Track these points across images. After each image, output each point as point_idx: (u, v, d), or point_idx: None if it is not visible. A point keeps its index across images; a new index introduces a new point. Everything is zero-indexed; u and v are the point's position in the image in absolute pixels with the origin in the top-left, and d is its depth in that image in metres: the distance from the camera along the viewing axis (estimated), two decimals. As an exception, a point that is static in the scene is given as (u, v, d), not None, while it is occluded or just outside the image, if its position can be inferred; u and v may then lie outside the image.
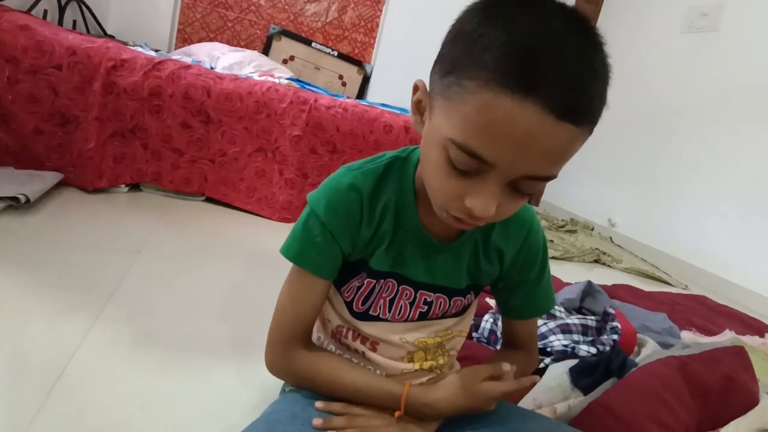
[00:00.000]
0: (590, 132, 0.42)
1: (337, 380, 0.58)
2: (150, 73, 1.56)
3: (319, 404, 0.57)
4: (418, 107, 0.49)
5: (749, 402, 0.84)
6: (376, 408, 0.58)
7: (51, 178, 1.46)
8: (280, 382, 0.68)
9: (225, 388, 0.80)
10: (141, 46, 2.09)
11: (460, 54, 0.41)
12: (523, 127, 0.38)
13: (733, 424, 0.80)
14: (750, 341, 1.53)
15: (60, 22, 2.19)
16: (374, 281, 0.59)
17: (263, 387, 0.80)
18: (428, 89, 0.47)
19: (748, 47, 2.34)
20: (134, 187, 1.69)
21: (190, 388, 0.78)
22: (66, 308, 0.91)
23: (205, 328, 0.97)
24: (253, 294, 1.16)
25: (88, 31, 2.40)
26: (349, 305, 0.60)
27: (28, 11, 1.84)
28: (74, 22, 2.36)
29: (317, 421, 0.55)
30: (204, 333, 0.95)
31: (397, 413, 0.57)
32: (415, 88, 0.49)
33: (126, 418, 0.69)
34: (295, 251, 0.56)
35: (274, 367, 0.60)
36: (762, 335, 1.63)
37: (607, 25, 3.32)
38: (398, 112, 2.01)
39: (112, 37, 2.37)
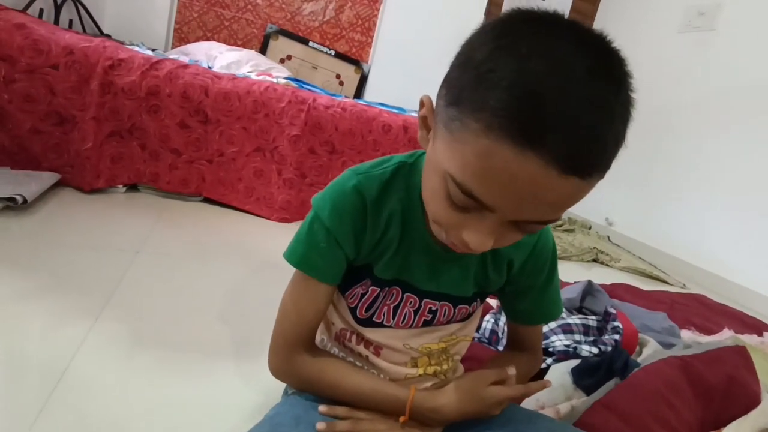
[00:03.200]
0: (601, 177, 0.38)
1: (341, 384, 0.57)
2: (147, 72, 1.55)
3: (322, 408, 0.57)
4: (425, 123, 0.46)
5: (751, 401, 0.84)
6: (380, 412, 0.57)
7: (48, 178, 1.45)
8: (282, 384, 0.67)
9: (226, 389, 0.80)
10: (137, 46, 2.07)
11: (466, 87, 0.37)
12: (524, 180, 0.35)
13: (734, 423, 0.80)
14: (749, 340, 1.54)
15: (56, 21, 2.18)
16: (378, 289, 0.58)
17: (265, 389, 0.80)
18: (434, 108, 0.44)
19: (745, 46, 2.35)
20: (132, 187, 1.68)
21: (191, 390, 0.78)
22: (65, 310, 0.90)
23: (205, 329, 0.96)
24: (252, 294, 1.16)
25: (84, 30, 2.38)
26: (352, 311, 0.60)
27: (24, 10, 1.82)
28: (70, 21, 2.34)
29: (321, 425, 0.54)
30: (204, 334, 0.94)
31: (401, 418, 0.56)
32: (421, 104, 0.46)
33: (127, 421, 0.68)
34: (299, 256, 0.55)
35: (278, 371, 0.60)
36: (761, 334, 1.64)
37: (604, 23, 3.32)
38: (396, 111, 2.00)
39: (108, 36, 2.36)
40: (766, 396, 0.88)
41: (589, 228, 2.92)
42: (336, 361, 0.60)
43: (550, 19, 0.37)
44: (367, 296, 0.58)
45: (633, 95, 0.38)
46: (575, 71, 0.34)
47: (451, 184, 0.40)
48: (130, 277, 1.08)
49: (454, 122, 0.38)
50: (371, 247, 0.55)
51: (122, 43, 2.02)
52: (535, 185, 0.35)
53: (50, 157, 1.51)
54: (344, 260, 0.56)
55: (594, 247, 2.35)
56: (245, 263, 1.33)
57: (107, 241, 1.25)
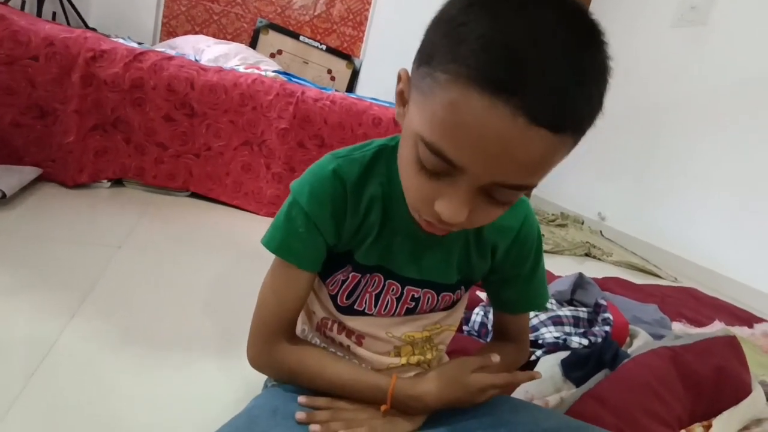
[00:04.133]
0: (575, 141, 0.38)
1: (322, 374, 0.56)
2: (131, 64, 1.52)
3: (302, 399, 0.55)
4: (401, 98, 0.45)
5: (741, 392, 0.83)
6: (361, 402, 0.56)
7: (29, 172, 1.41)
8: (263, 377, 0.66)
9: (208, 383, 0.78)
10: (123, 39, 2.03)
11: (438, 43, 0.37)
12: (493, 131, 0.34)
13: (725, 414, 0.79)
14: (739, 332, 1.54)
15: (39, 14, 2.14)
16: (360, 275, 0.56)
17: (247, 382, 0.78)
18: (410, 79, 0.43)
19: (736, 41, 2.35)
20: (117, 182, 1.65)
21: (172, 384, 0.76)
22: (42, 305, 0.87)
23: (187, 324, 0.94)
24: (239, 289, 1.13)
25: (69, 24, 2.34)
26: (333, 299, 0.58)
27: (5, 2, 1.78)
28: (54, 14, 2.30)
29: (300, 415, 0.53)
30: (186, 328, 0.92)
31: (383, 407, 0.55)
32: (399, 78, 0.45)
33: (106, 415, 0.66)
34: (278, 242, 0.53)
35: (257, 362, 0.58)
36: (751, 326, 1.64)
37: (598, 17, 3.31)
38: (387, 105, 1.99)
39: (93, 29, 2.32)
40: (756, 386, 0.87)
41: (582, 223, 2.92)
42: (316, 351, 0.58)
43: None
44: (348, 283, 0.57)
45: (609, 62, 0.37)
46: (546, 27, 0.34)
47: (421, 147, 0.39)
48: (112, 272, 1.06)
49: (425, 80, 0.38)
50: (352, 233, 0.54)
51: (107, 36, 1.99)
52: (504, 137, 0.34)
53: (31, 151, 1.48)
54: (324, 246, 0.54)
55: (586, 242, 2.35)
56: (233, 258, 1.31)
57: (89, 236, 1.22)
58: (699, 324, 1.50)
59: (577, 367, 0.86)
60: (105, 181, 1.60)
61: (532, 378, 0.59)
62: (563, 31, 0.34)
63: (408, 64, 0.44)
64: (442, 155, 0.37)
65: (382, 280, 0.56)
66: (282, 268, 0.55)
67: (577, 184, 3.09)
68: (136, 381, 0.75)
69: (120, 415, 0.67)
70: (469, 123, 0.35)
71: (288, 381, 0.58)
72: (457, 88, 0.34)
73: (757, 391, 0.85)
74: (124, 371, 0.76)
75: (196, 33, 2.79)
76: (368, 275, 0.56)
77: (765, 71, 2.19)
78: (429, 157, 0.38)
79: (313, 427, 0.52)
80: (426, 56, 0.38)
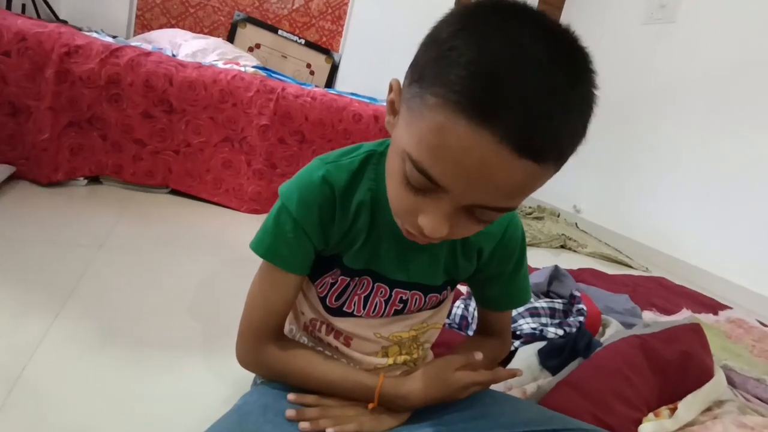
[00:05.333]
0: (556, 169, 0.39)
1: (310, 373, 0.57)
2: (107, 60, 1.49)
3: (291, 396, 0.57)
4: (392, 107, 0.46)
5: (705, 375, 0.89)
6: (350, 400, 0.58)
7: (1, 171, 1.38)
8: (252, 375, 0.67)
9: (195, 382, 0.79)
10: (97, 32, 1.99)
11: (429, 64, 0.38)
12: (477, 158, 0.35)
13: (689, 397, 0.84)
14: (705, 319, 1.62)
15: (8, 6, 2.06)
16: (348, 279, 0.58)
17: (235, 380, 0.79)
18: (401, 91, 0.44)
19: (702, 38, 2.43)
20: (94, 180, 1.62)
21: (159, 384, 0.76)
22: (22, 307, 0.87)
23: (172, 323, 0.94)
24: (221, 287, 1.14)
25: (39, 16, 2.27)
26: (322, 300, 0.59)
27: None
28: (23, 6, 2.22)
29: (290, 413, 0.54)
30: (172, 327, 0.93)
31: (370, 405, 0.57)
32: (390, 88, 0.46)
33: (90, 418, 0.66)
34: (266, 247, 0.54)
35: (246, 362, 0.59)
36: (716, 313, 1.72)
37: (570, 15, 3.38)
38: (367, 101, 2.00)
39: (64, 22, 2.25)
40: (718, 370, 0.93)
41: (558, 215, 3.00)
42: (304, 351, 0.59)
43: (519, 8, 0.37)
44: (337, 286, 0.58)
45: (595, 91, 0.38)
46: (535, 57, 0.34)
47: (407, 163, 0.39)
48: (93, 273, 1.05)
49: (414, 99, 0.38)
50: (340, 238, 0.55)
51: (80, 29, 1.94)
52: (488, 164, 0.35)
53: (3, 149, 1.44)
54: (312, 251, 0.55)
55: (562, 234, 2.41)
56: (215, 256, 1.31)
57: (67, 236, 1.20)
58: (668, 312, 1.57)
59: (553, 356, 0.90)
60: (81, 178, 1.57)
61: (513, 375, 0.62)
62: (553, 63, 0.35)
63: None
64: (426, 174, 0.38)
65: (371, 282, 0.58)
66: (270, 271, 0.56)
67: (554, 177, 3.15)
68: (121, 383, 0.75)
69: (103, 417, 0.67)
70: (454, 147, 0.35)
71: (277, 380, 0.59)
72: (444, 112, 0.35)
73: (719, 375, 0.91)
74: (109, 373, 0.76)
75: (172, 26, 2.73)
76: (357, 278, 0.58)
77: (729, 66, 2.28)
78: (414, 174, 0.39)
79: (302, 425, 0.53)
80: (416, 75, 0.39)
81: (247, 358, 0.59)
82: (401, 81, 0.45)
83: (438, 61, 0.36)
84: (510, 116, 0.34)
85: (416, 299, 0.60)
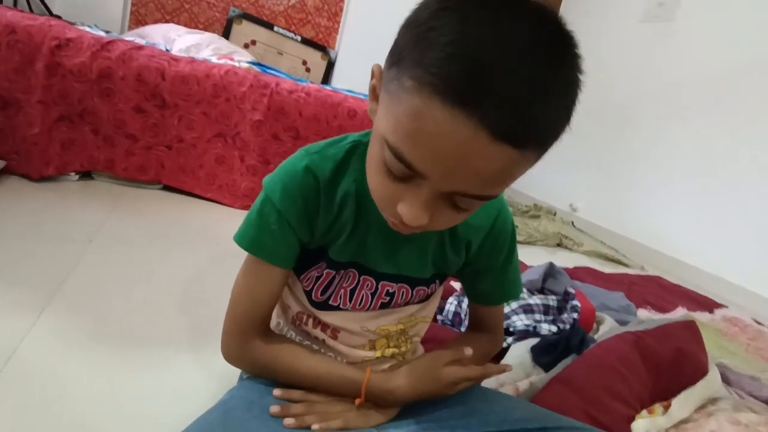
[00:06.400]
0: (538, 156, 0.37)
1: (297, 368, 0.56)
2: (98, 53, 1.47)
3: (277, 392, 0.56)
4: (374, 94, 0.45)
5: (699, 372, 0.88)
6: (336, 395, 0.57)
7: (-9, 165, 1.37)
8: (238, 370, 0.66)
9: (182, 378, 0.78)
10: (90, 27, 1.97)
11: (408, 46, 0.36)
12: (454, 143, 0.34)
13: (683, 394, 0.84)
14: (700, 317, 1.61)
15: (-1, 0, 2.04)
16: (334, 272, 0.57)
17: (221, 376, 0.78)
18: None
19: (701, 37, 2.43)
20: (86, 175, 1.60)
21: (145, 380, 0.75)
22: (6, 303, 0.85)
23: (161, 319, 0.93)
24: (213, 284, 1.13)
25: (31, 11, 2.24)
26: (308, 294, 0.58)
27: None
28: (14, 0, 2.20)
29: (275, 409, 0.53)
30: (160, 324, 0.91)
31: (357, 400, 0.56)
32: (372, 73, 0.45)
33: (75, 414, 0.65)
34: (250, 239, 0.53)
35: (232, 357, 0.58)
36: (711, 311, 1.72)
37: (568, 13, 3.37)
38: (363, 98, 1.98)
39: (58, 17, 2.23)
40: (713, 367, 0.92)
41: (554, 214, 2.99)
42: (291, 345, 0.58)
43: None
44: (322, 279, 0.57)
45: (580, 76, 0.36)
46: (516, 41, 0.33)
47: (386, 150, 0.39)
48: (82, 268, 1.03)
49: (392, 83, 0.37)
50: (325, 230, 0.54)
51: (73, 24, 1.92)
52: (465, 149, 0.34)
53: (-7, 143, 1.42)
54: (297, 243, 0.54)
55: (558, 233, 2.40)
56: (206, 252, 1.29)
57: (57, 231, 1.19)
58: (663, 310, 1.57)
59: (546, 353, 0.90)
60: (73, 174, 1.56)
61: (503, 371, 0.61)
62: (534, 46, 0.33)
63: (383, 56, 0.43)
64: (403, 160, 0.37)
65: (357, 275, 0.57)
66: (254, 265, 0.55)
67: (550, 177, 3.15)
68: (107, 379, 0.73)
69: (88, 413, 0.66)
70: (430, 132, 0.34)
71: (263, 375, 0.58)
72: (421, 95, 0.34)
73: (714, 372, 0.90)
74: (95, 368, 0.75)
75: (167, 22, 2.71)
76: (342, 271, 0.57)
77: (729, 65, 2.27)
78: (392, 160, 0.38)
79: (287, 421, 0.52)
80: (395, 58, 0.38)
81: (232, 354, 0.58)
82: (383, 66, 0.44)
83: (417, 43, 0.35)
84: (487, 101, 0.32)
85: (403, 292, 0.59)
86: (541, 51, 0.34)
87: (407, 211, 0.40)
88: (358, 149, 0.54)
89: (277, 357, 0.57)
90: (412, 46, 0.36)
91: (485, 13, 0.34)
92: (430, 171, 0.37)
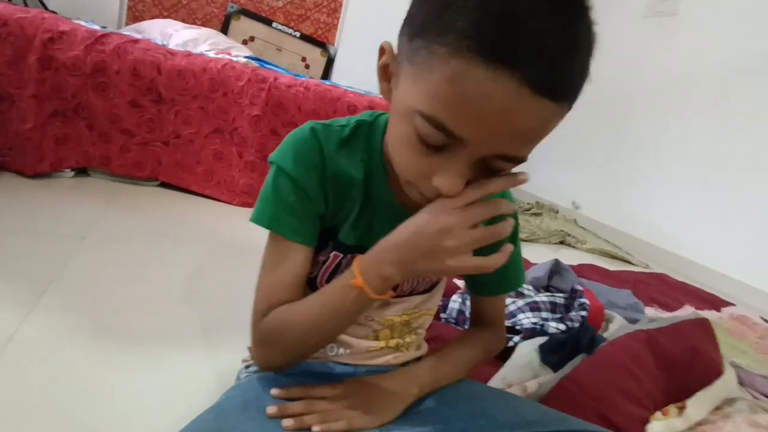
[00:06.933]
0: (569, 108, 0.38)
1: (301, 318, 0.51)
2: (92, 47, 1.44)
3: (274, 391, 0.52)
4: (385, 73, 0.44)
5: (713, 372, 0.85)
6: (348, 314, 0.50)
7: (-17, 161, 1.34)
8: (238, 367, 0.63)
9: (178, 377, 0.75)
10: (85, 22, 1.93)
11: (431, 14, 0.36)
12: (498, 102, 0.34)
13: (698, 395, 0.80)
14: (708, 315, 1.58)
15: (-8, -6, 2.01)
16: (341, 255, 0.55)
17: (219, 376, 0.75)
18: (396, 52, 0.43)
19: (704, 32, 2.40)
20: (81, 171, 1.57)
21: (139, 379, 0.72)
22: (-5, 299, 0.82)
23: (155, 316, 0.90)
24: (210, 281, 1.09)
25: (26, 5, 2.21)
26: (311, 282, 0.56)
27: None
28: (10, -6, 2.17)
29: (272, 409, 0.50)
30: (155, 321, 0.88)
31: (353, 281, 0.47)
32: (382, 51, 0.44)
33: (66, 412, 0.62)
34: (269, 216, 0.51)
35: (261, 355, 0.54)
36: (718, 309, 1.69)
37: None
38: (363, 93, 1.95)
39: (53, 12, 2.19)
40: (728, 367, 0.89)
41: (557, 212, 2.96)
42: (285, 306, 0.52)
43: None
44: (329, 263, 0.55)
45: (594, 28, 0.38)
46: None
47: (420, 122, 0.38)
48: (75, 264, 1.00)
49: (419, 53, 0.37)
50: (336, 205, 0.52)
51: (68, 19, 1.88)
52: (509, 108, 0.34)
53: (-15, 138, 1.39)
54: (316, 215, 0.52)
55: (561, 230, 2.37)
56: (204, 249, 1.26)
57: (50, 227, 1.16)
58: (669, 308, 1.54)
59: (554, 352, 0.86)
60: (68, 170, 1.53)
61: (510, 210, 0.45)
62: (559, 3, 0.34)
63: None
64: (443, 127, 0.37)
65: None
66: (276, 245, 0.52)
67: (552, 174, 3.12)
68: (98, 377, 0.71)
69: (79, 411, 0.63)
70: (473, 95, 0.34)
71: (294, 351, 0.53)
72: (458, 60, 0.34)
73: (729, 372, 0.87)
74: (87, 366, 0.72)
75: (165, 17, 2.68)
76: (349, 256, 0.55)
77: (732, 60, 2.24)
78: (429, 130, 0.37)
79: (285, 422, 0.48)
80: (419, 28, 0.37)
81: (258, 350, 0.54)
82: (392, 44, 0.43)
83: (443, 10, 0.35)
84: (528, 56, 0.33)
85: (408, 279, 0.56)
86: (566, 5, 0.35)
87: (445, 181, 0.40)
88: (362, 129, 0.53)
89: (280, 318, 0.51)
90: (437, 15, 0.36)
91: None
92: (471, 134, 0.37)
